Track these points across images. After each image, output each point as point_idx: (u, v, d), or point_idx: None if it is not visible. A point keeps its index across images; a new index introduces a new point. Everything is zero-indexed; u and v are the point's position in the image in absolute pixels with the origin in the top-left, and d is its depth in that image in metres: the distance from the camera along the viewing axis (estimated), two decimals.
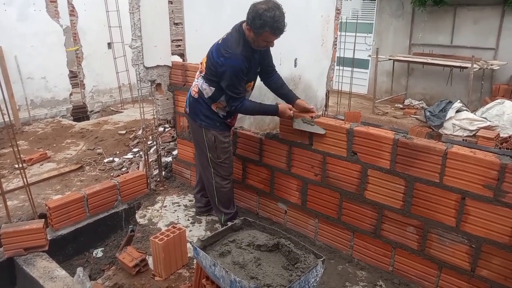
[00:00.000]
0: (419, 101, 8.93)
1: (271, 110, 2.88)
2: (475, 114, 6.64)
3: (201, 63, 2.92)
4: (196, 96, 2.94)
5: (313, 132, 2.82)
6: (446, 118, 6.60)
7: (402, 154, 2.46)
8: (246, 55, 2.67)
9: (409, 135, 2.52)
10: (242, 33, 2.69)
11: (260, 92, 4.08)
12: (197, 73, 2.98)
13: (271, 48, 2.85)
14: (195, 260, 2.40)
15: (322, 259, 2.11)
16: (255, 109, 2.86)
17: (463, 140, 5.99)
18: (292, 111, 2.86)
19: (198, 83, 2.92)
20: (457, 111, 6.58)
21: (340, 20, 6.29)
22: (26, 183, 3.16)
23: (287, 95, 3.03)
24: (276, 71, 3.09)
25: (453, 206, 2.34)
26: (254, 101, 2.90)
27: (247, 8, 2.61)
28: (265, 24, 2.50)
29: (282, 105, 2.89)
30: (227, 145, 3.01)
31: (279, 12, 2.52)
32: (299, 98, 3.01)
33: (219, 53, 2.70)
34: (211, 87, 2.83)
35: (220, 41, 2.77)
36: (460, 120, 6.47)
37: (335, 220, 2.92)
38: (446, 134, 6.44)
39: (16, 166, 4.37)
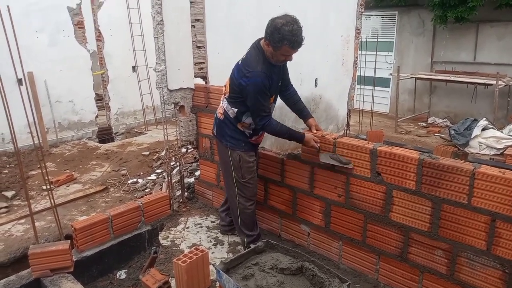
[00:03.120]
0: (443, 119, 8.78)
1: (297, 137, 2.87)
2: (502, 132, 6.47)
3: (225, 85, 2.97)
4: (221, 117, 3.00)
5: (341, 166, 2.79)
6: (472, 137, 6.47)
7: (428, 175, 2.40)
8: (267, 71, 2.71)
9: (434, 154, 2.46)
10: (261, 49, 2.74)
11: (281, 112, 4.10)
12: (223, 95, 3.04)
13: (289, 63, 2.88)
14: (217, 283, 2.39)
15: (347, 284, 2.07)
16: (282, 131, 2.85)
17: (491, 159, 5.83)
18: (318, 144, 2.85)
19: (223, 105, 2.98)
20: (483, 129, 6.44)
21: (360, 40, 6.31)
22: (53, 204, 3.24)
23: (301, 111, 3.09)
24: (292, 86, 3.13)
25: (483, 229, 2.26)
26: (283, 123, 2.90)
27: None
28: (283, 38, 2.54)
29: (308, 134, 2.89)
30: (251, 165, 3.03)
31: (297, 26, 2.56)
32: (312, 117, 3.08)
33: (240, 73, 2.75)
34: (233, 108, 2.88)
35: (240, 61, 2.82)
36: (487, 138, 6.32)
37: (359, 243, 2.86)
38: (472, 152, 6.29)
39: (44, 187, 4.50)
